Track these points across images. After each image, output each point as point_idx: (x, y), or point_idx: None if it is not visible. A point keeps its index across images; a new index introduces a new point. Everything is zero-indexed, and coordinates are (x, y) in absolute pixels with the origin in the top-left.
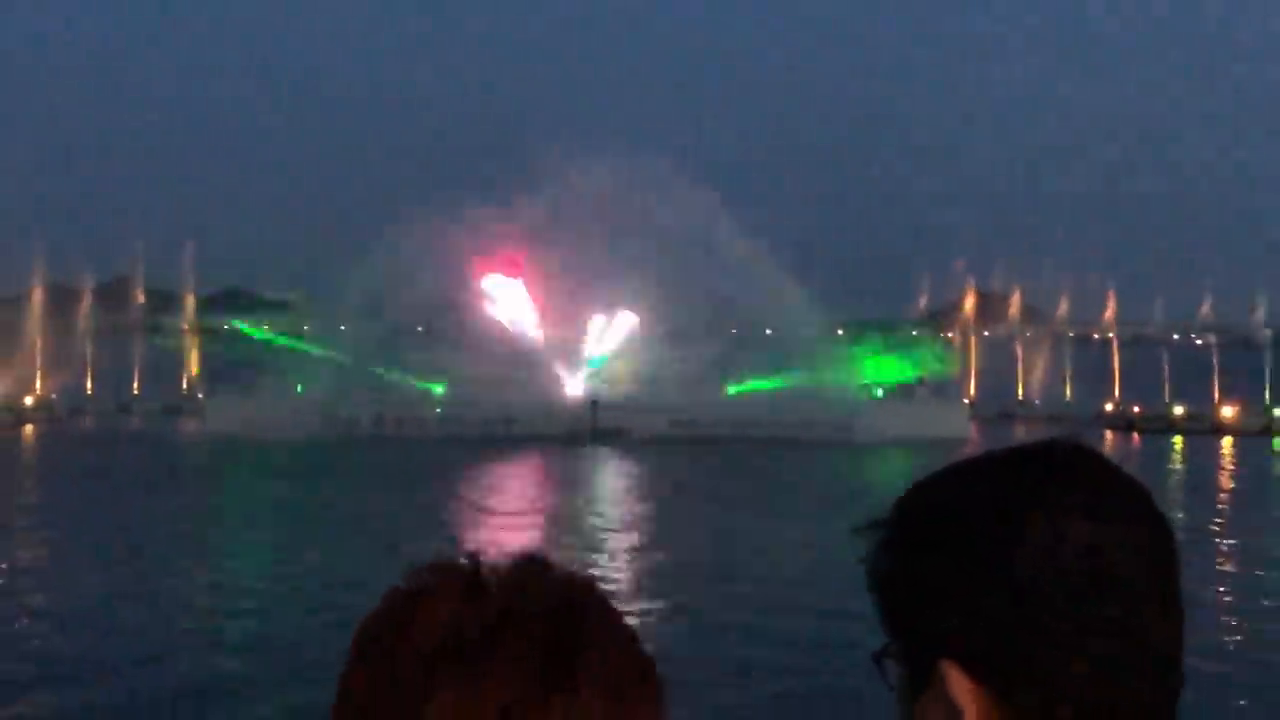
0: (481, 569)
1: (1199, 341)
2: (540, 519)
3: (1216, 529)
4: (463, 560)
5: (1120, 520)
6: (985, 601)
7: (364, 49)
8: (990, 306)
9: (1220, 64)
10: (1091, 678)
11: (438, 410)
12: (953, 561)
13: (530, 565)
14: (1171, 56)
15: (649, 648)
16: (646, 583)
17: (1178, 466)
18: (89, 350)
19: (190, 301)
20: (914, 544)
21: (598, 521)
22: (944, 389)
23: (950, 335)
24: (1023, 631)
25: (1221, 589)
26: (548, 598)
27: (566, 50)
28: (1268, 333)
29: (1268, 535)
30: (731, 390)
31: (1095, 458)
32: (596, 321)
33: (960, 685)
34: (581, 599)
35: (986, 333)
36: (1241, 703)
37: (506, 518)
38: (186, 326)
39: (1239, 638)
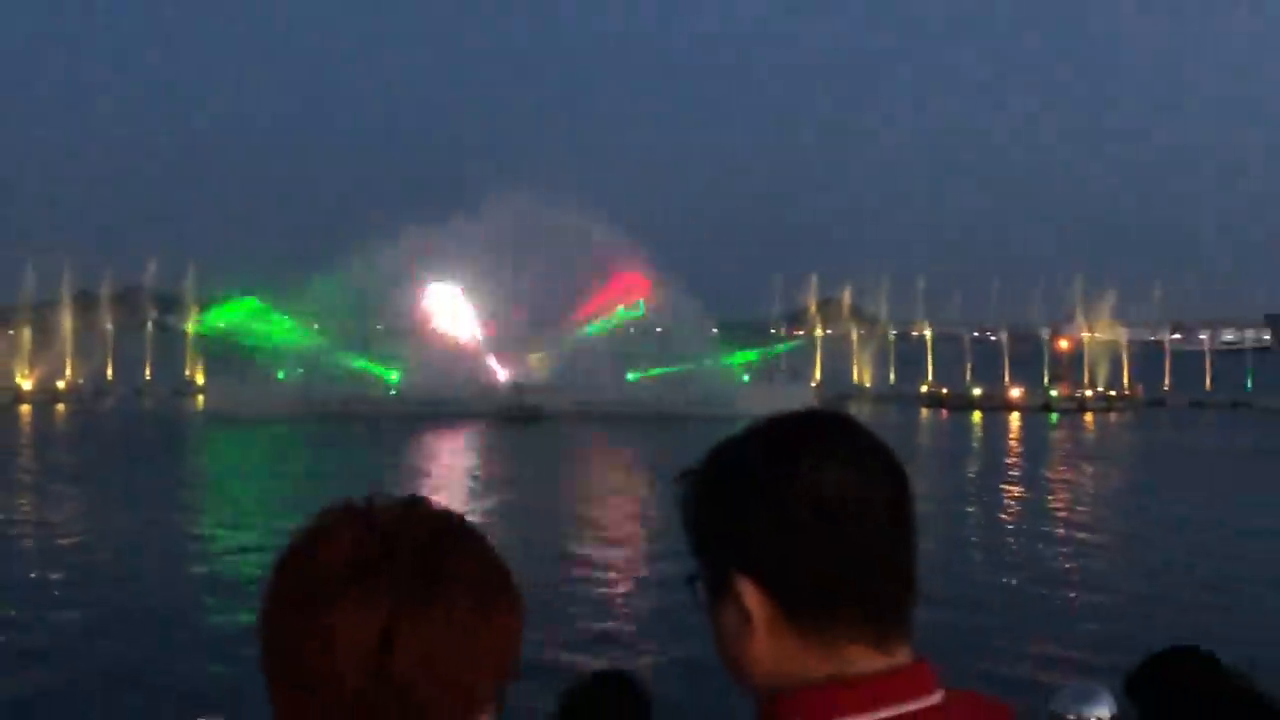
0: (373, 507)
1: (993, 337)
2: (462, 477)
3: (1006, 484)
4: (358, 501)
5: (866, 465)
6: (768, 526)
7: (352, 94)
8: (832, 309)
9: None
10: (846, 585)
11: (392, 393)
12: (743, 496)
13: (413, 503)
14: (998, 66)
15: (516, 572)
16: (538, 529)
17: (976, 435)
18: (109, 344)
19: (192, 305)
20: (715, 485)
21: (512, 480)
22: (796, 374)
23: (800, 332)
24: (795, 549)
25: (1007, 531)
26: (426, 527)
27: (500, 107)
28: (1046, 330)
29: (1044, 489)
30: (630, 376)
31: (849, 421)
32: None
33: (750, 593)
34: (454, 529)
35: (829, 330)
36: (1025, 621)
37: (437, 476)
38: (189, 325)
39: (1021, 572)
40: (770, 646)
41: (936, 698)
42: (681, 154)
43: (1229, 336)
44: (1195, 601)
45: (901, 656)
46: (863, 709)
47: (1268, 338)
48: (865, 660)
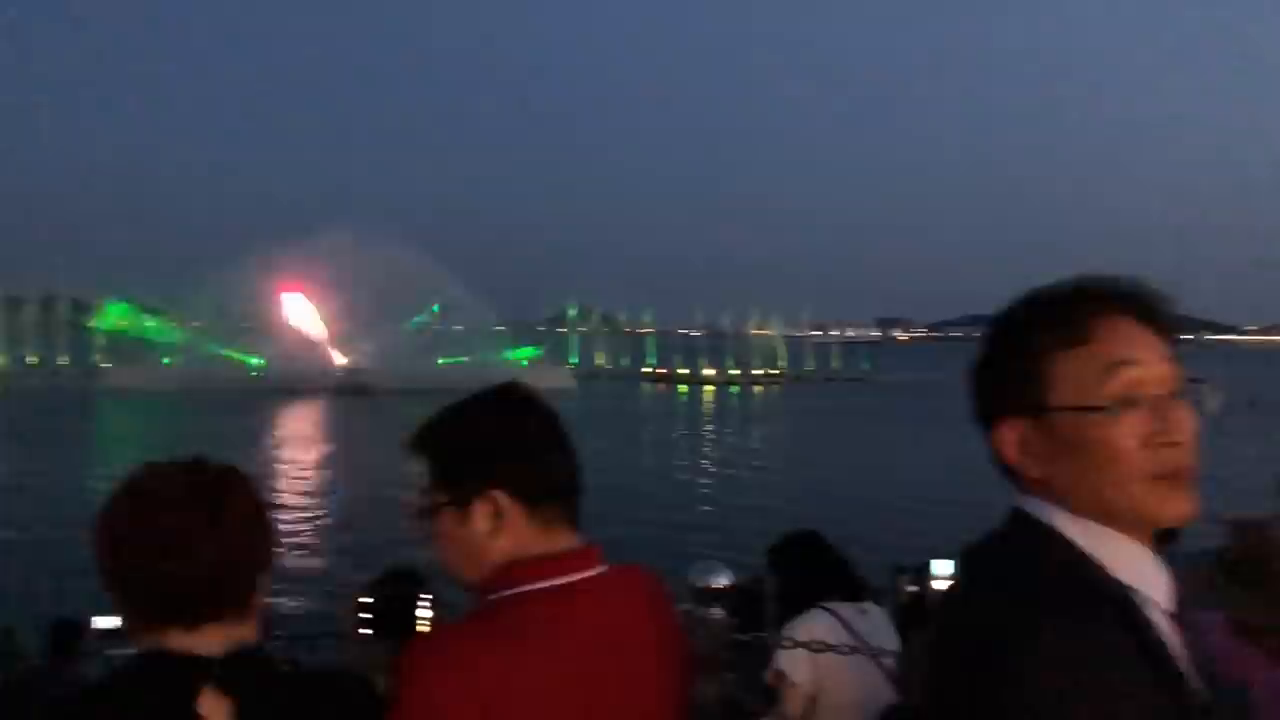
0: (177, 460)
1: (695, 333)
2: (287, 437)
3: (706, 434)
4: (165, 457)
5: (552, 413)
6: (510, 451)
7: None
8: (585, 311)
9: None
10: (556, 488)
11: (254, 374)
12: (490, 433)
13: (197, 461)
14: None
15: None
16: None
17: (682, 400)
18: (32, 337)
19: (98, 305)
20: (465, 429)
21: (335, 439)
22: (558, 360)
23: (563, 329)
24: (528, 466)
25: (703, 464)
26: (210, 475)
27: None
28: (730, 327)
29: (721, 438)
30: (440, 362)
31: (531, 390)
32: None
33: (502, 498)
34: (229, 476)
35: (583, 328)
36: (692, 530)
37: (275, 437)
38: (93, 323)
39: (693, 492)
40: (514, 534)
41: (604, 568)
42: (480, 186)
43: (851, 333)
44: (813, 510)
45: (580, 541)
46: (564, 573)
47: (877, 334)
48: (566, 541)
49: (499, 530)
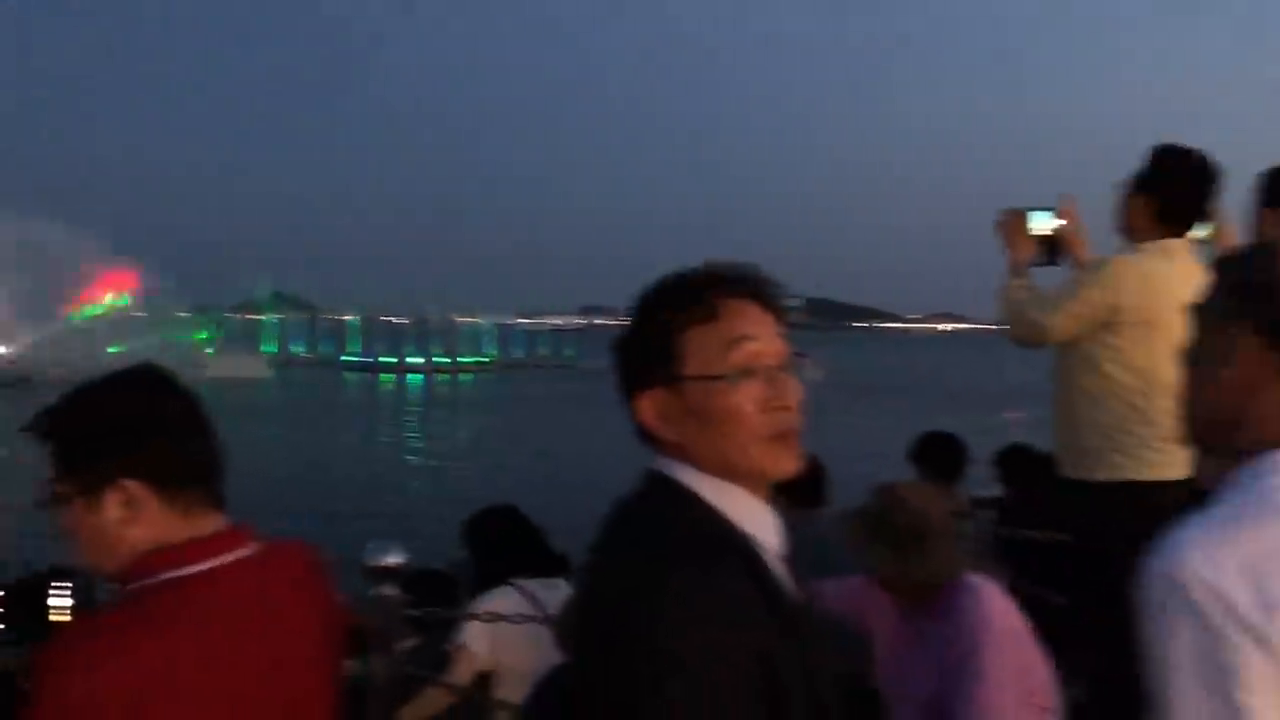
0: None
1: (401, 321)
2: None
3: (408, 423)
4: None
5: (192, 397)
6: (145, 436)
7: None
8: (282, 297)
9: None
10: (199, 473)
11: None
12: (123, 418)
13: None
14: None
15: None
16: None
17: (387, 389)
18: None
19: None
20: (93, 416)
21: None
22: (251, 348)
23: (261, 316)
24: (167, 451)
25: (403, 454)
26: None
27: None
28: (436, 314)
29: (435, 427)
30: (111, 349)
31: (166, 372)
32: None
33: (135, 487)
34: None
35: (279, 315)
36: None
37: None
38: None
39: (408, 487)
40: (150, 522)
41: (255, 548)
42: (168, 168)
43: (558, 321)
44: (517, 497)
45: (226, 523)
46: (209, 556)
47: (583, 322)
48: (211, 524)
49: (133, 519)
